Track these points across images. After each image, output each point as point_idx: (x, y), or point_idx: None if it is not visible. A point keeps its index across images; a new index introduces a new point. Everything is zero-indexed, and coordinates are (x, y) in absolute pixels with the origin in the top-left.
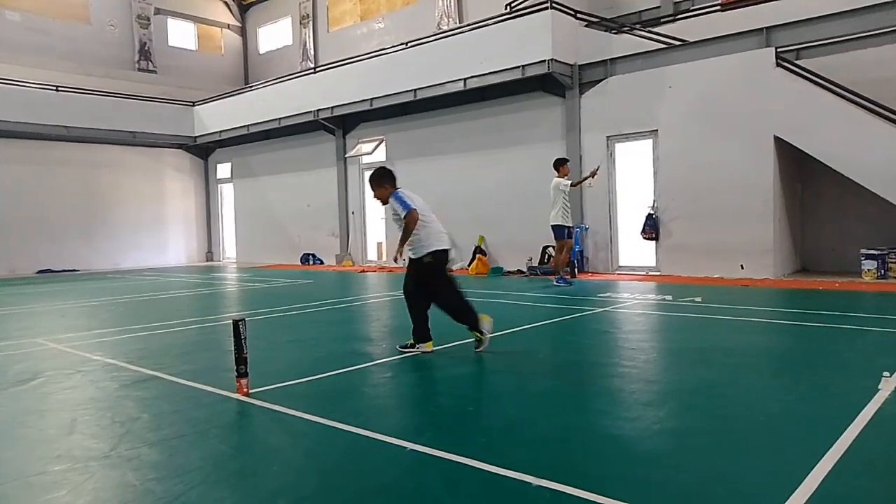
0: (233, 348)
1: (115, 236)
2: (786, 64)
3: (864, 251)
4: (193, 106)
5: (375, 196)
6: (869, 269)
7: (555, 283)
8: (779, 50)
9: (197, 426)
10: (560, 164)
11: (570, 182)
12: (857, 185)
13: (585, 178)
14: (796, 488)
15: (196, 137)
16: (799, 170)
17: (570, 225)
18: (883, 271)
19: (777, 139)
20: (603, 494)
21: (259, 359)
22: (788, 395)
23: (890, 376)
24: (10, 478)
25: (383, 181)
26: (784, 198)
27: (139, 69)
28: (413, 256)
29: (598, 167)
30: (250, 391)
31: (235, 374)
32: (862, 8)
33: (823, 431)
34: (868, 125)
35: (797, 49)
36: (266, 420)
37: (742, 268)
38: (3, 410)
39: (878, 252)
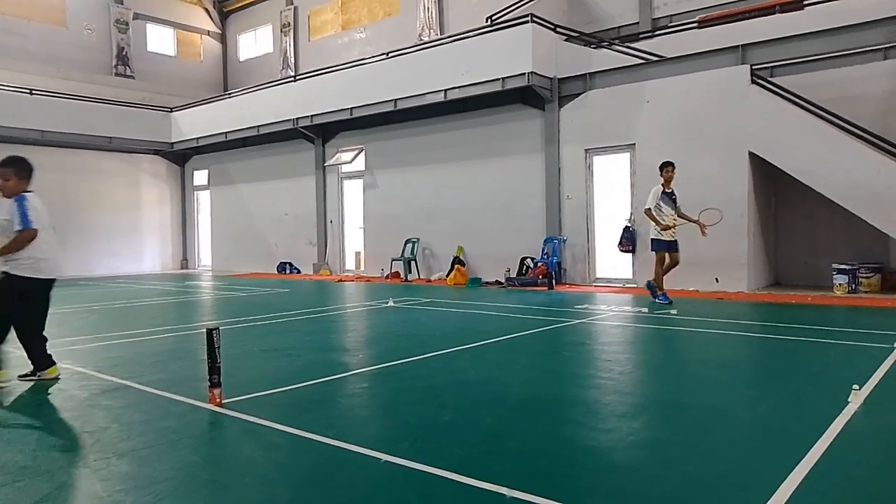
0: (206, 357)
1: (88, 243)
2: (760, 81)
3: (835, 266)
4: (171, 112)
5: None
6: (840, 284)
7: (657, 300)
8: (754, 67)
9: (167, 437)
10: (663, 167)
11: (666, 191)
12: (829, 201)
13: (695, 222)
14: (768, 500)
15: (173, 144)
16: (773, 185)
17: (665, 239)
18: (854, 286)
19: (752, 155)
20: None
21: (233, 368)
22: (760, 407)
23: (859, 389)
24: None
25: (21, 172)
26: (758, 212)
27: (116, 74)
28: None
29: (720, 219)
30: (223, 401)
31: (208, 383)
32: (834, 28)
33: (795, 443)
34: (839, 143)
35: (772, 67)
36: (239, 431)
37: (717, 281)
38: None
39: (849, 266)
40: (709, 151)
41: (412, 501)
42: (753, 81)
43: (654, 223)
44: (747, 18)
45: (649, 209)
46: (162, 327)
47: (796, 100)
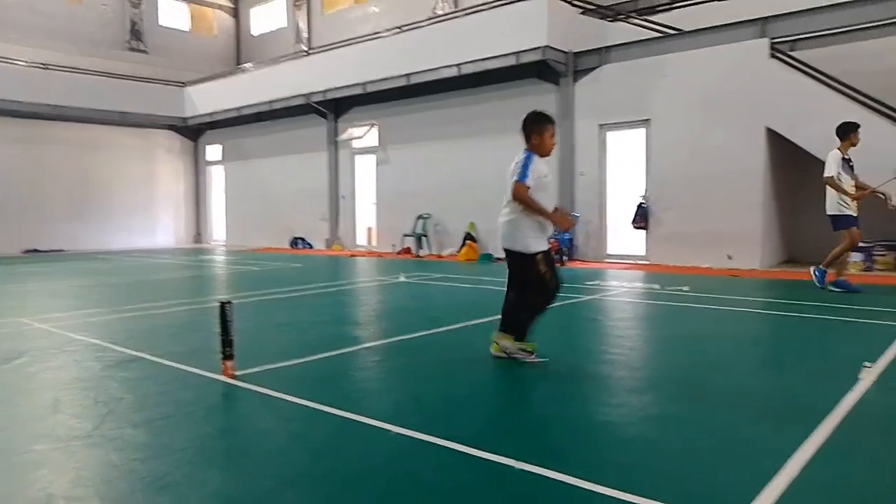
0: (219, 330)
1: (103, 217)
2: (780, 55)
3: None
4: (184, 87)
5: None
6: (855, 262)
7: (831, 287)
8: (774, 41)
9: (182, 407)
10: (850, 130)
11: (845, 158)
12: None
13: (878, 193)
14: (775, 474)
15: (187, 119)
16: (791, 161)
17: (853, 213)
18: (869, 264)
19: (769, 130)
20: (589, 479)
21: (246, 341)
22: (771, 384)
23: (871, 366)
24: None
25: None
26: (774, 189)
27: (130, 49)
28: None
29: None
30: (237, 373)
31: (221, 356)
32: (858, 0)
33: (806, 419)
34: (858, 117)
35: (792, 40)
36: (252, 402)
37: (730, 258)
38: None
39: (865, 245)
40: (725, 127)
41: (424, 473)
42: (773, 55)
43: (840, 194)
44: None
45: (832, 177)
46: (176, 301)
47: (817, 74)
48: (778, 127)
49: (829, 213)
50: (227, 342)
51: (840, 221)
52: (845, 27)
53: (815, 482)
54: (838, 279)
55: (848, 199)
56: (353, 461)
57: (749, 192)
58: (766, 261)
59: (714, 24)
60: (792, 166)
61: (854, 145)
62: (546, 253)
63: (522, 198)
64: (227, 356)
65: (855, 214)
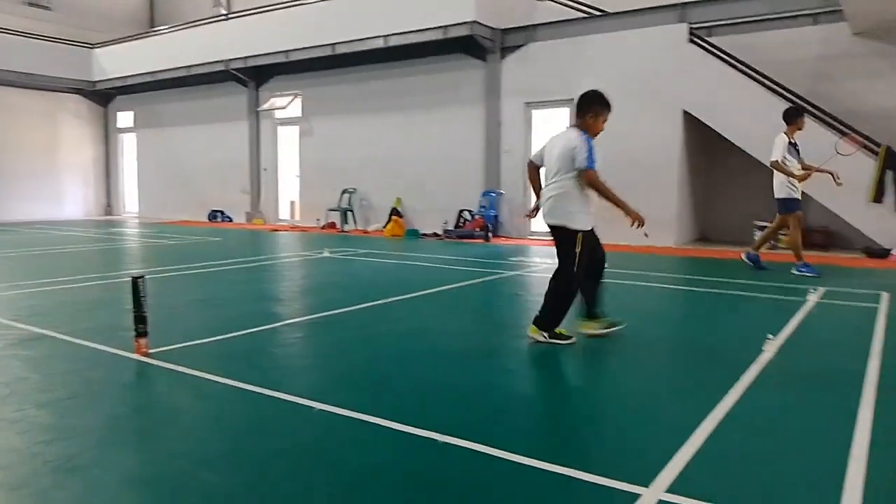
0: (132, 307)
1: (2, 185)
2: (698, 41)
3: (756, 223)
4: (93, 48)
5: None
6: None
7: (796, 270)
8: (693, 26)
9: (92, 387)
10: (793, 117)
11: (791, 142)
12: (756, 161)
13: (825, 171)
14: (685, 442)
15: (95, 83)
16: (704, 144)
17: (798, 197)
18: (773, 242)
19: (686, 113)
20: (509, 450)
21: (161, 318)
22: (679, 356)
23: (773, 338)
24: None
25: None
26: (689, 170)
27: (30, 3)
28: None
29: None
30: (151, 351)
31: (134, 333)
32: None
33: (712, 389)
34: (770, 104)
35: (711, 27)
36: (168, 381)
37: (646, 236)
38: None
39: (769, 224)
40: (645, 109)
41: (347, 448)
42: (691, 40)
43: (786, 176)
44: None
45: (777, 161)
46: (85, 275)
47: (731, 61)
48: (694, 110)
49: (776, 196)
50: (140, 319)
51: (787, 204)
52: (759, 16)
53: (716, 454)
54: (751, 252)
55: (795, 183)
56: (272, 439)
57: (666, 173)
58: (681, 239)
59: (637, 8)
60: (704, 149)
61: (800, 129)
62: (588, 234)
63: (596, 185)
64: (141, 333)
65: (800, 198)
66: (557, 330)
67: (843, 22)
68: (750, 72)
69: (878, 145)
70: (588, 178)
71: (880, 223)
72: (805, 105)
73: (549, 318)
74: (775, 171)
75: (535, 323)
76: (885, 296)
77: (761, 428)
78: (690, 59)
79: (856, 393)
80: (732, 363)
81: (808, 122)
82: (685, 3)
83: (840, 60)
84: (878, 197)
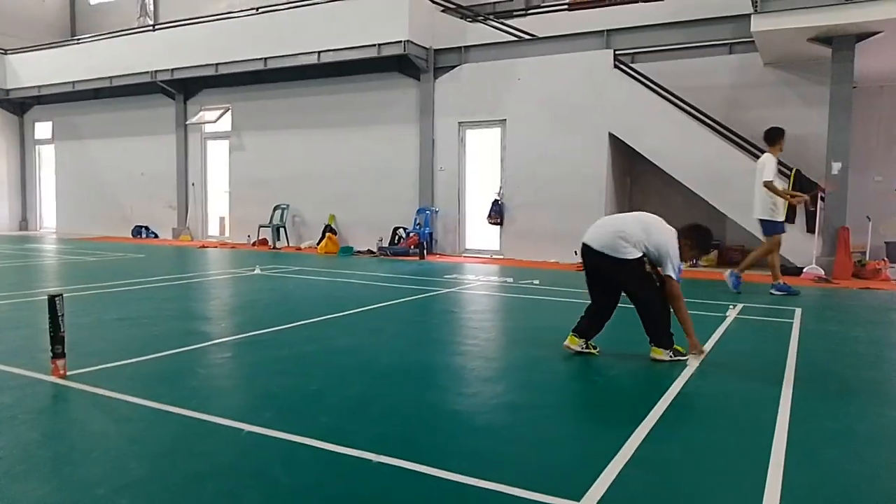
0: (48, 326)
1: None
2: (622, 66)
3: None
4: (6, 54)
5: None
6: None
7: (773, 291)
8: (617, 52)
9: (1, 412)
10: (775, 137)
11: (776, 163)
12: (676, 182)
13: (799, 199)
14: (615, 455)
15: (9, 91)
16: (629, 164)
17: (782, 220)
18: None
19: (611, 135)
20: (441, 468)
21: (80, 338)
22: (611, 371)
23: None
24: None
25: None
26: (615, 189)
27: None
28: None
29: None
30: (68, 373)
31: (51, 354)
32: (689, 21)
33: (639, 403)
34: (689, 128)
35: (633, 53)
36: (85, 404)
37: (576, 254)
38: None
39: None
40: (573, 130)
41: (276, 469)
42: (616, 66)
43: (770, 198)
44: (613, 4)
45: (770, 181)
46: None
47: (653, 86)
48: (618, 132)
49: (759, 217)
50: (57, 339)
51: (771, 227)
52: (679, 44)
53: (642, 462)
54: (778, 283)
55: (779, 205)
56: (197, 462)
57: (592, 193)
58: None
59: (565, 33)
60: (627, 170)
61: (781, 150)
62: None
63: (677, 294)
64: (58, 354)
65: (780, 220)
66: (675, 346)
67: (756, 52)
68: (670, 97)
69: (790, 169)
70: (673, 289)
71: (793, 243)
72: (721, 129)
73: (663, 336)
74: (757, 192)
75: (654, 345)
76: (797, 311)
77: (683, 443)
78: (615, 83)
79: (770, 415)
80: (658, 379)
81: (723, 144)
82: (610, 31)
83: (752, 89)
84: (789, 218)
